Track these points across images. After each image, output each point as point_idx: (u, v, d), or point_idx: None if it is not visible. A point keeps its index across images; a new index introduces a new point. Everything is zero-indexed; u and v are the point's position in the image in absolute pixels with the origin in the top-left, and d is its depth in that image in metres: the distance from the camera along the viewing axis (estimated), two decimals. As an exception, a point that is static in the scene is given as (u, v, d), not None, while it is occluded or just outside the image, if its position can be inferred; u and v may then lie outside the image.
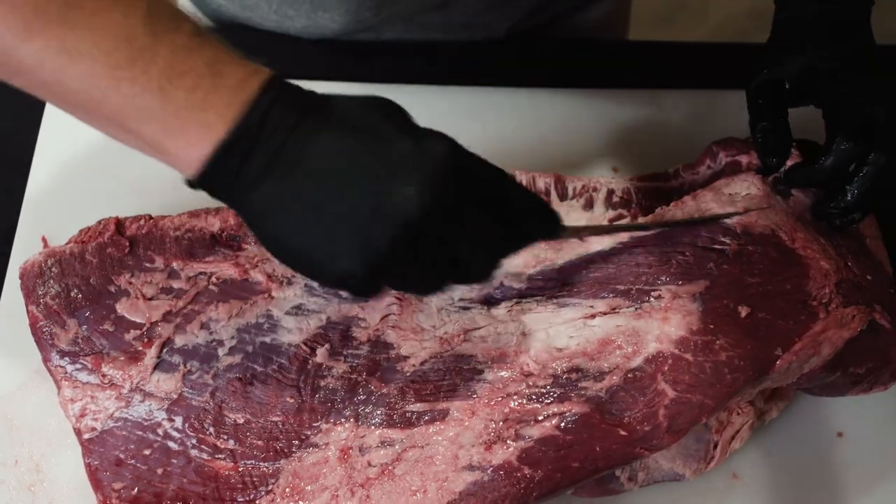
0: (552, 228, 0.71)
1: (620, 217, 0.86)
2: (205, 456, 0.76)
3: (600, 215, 0.87)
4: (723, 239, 0.79)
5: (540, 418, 0.74)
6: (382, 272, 0.62)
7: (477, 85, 1.00)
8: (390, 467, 0.74)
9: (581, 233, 0.80)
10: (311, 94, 0.64)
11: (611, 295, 0.78)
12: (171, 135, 0.61)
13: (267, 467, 0.75)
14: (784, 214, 0.80)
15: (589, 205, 0.88)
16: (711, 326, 0.75)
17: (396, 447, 0.75)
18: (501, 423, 0.74)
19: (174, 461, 0.76)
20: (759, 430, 0.84)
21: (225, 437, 0.76)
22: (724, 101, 1.01)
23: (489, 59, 1.05)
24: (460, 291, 0.80)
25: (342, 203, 0.60)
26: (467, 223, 0.64)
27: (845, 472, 0.84)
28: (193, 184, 0.63)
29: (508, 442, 0.73)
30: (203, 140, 0.60)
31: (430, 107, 0.98)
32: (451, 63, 1.04)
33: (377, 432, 0.75)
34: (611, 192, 0.88)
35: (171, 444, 0.76)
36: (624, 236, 0.81)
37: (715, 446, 0.80)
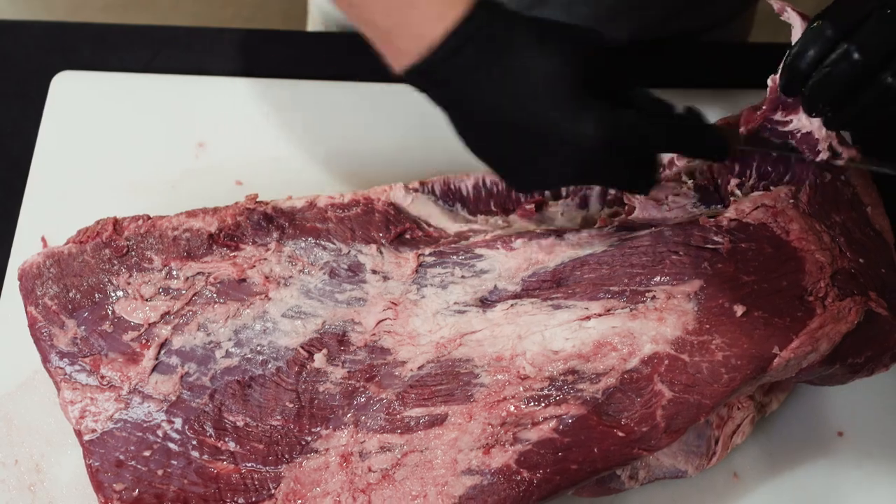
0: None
1: (616, 214, 0.86)
2: (206, 457, 0.76)
3: (595, 213, 0.87)
4: (716, 238, 0.79)
5: (537, 421, 0.74)
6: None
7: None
8: (390, 472, 0.74)
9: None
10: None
11: (605, 296, 0.78)
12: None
13: (268, 472, 0.75)
14: (780, 200, 0.80)
15: (584, 204, 0.87)
16: (707, 326, 0.76)
17: (396, 452, 0.75)
18: (499, 426, 0.74)
19: (174, 462, 0.76)
20: (759, 430, 0.84)
21: (225, 438, 0.76)
22: (724, 102, 1.00)
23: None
24: (455, 295, 0.80)
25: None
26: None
27: (845, 472, 0.84)
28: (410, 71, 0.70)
29: (507, 445, 0.74)
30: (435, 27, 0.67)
31: (429, 105, 0.98)
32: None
33: (376, 437, 0.75)
34: (605, 190, 0.88)
35: (172, 446, 0.76)
36: (615, 238, 0.81)
37: (716, 442, 0.81)
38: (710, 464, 0.81)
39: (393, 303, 0.80)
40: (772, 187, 0.83)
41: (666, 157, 0.89)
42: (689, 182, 0.85)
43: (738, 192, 0.84)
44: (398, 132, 0.98)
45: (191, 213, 0.82)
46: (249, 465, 0.76)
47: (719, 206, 0.82)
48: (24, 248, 0.89)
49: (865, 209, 0.84)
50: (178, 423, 0.77)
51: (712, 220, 0.80)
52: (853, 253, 0.80)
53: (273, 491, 0.75)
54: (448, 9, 0.66)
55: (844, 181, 0.83)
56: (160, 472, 0.75)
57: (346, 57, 1.04)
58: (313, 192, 0.85)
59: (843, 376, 0.81)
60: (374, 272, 0.81)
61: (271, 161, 0.96)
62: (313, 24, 1.25)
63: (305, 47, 1.05)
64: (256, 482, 0.75)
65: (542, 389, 0.75)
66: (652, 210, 0.83)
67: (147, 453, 0.76)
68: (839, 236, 0.81)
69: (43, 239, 0.89)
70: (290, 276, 0.81)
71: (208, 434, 0.76)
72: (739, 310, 0.76)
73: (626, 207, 0.85)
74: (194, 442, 0.76)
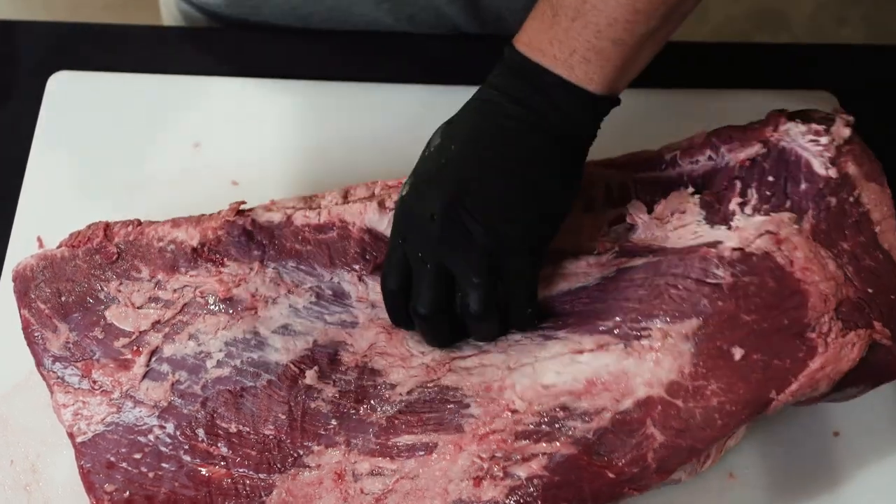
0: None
1: (620, 218, 0.83)
2: (197, 461, 0.75)
3: (598, 213, 0.85)
4: (716, 272, 0.76)
5: (527, 457, 0.73)
6: None
7: (473, 84, 1.00)
8: (383, 499, 0.74)
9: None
10: None
11: (599, 331, 0.77)
12: None
13: (260, 479, 0.75)
14: (784, 225, 0.77)
15: (589, 207, 0.84)
16: (703, 371, 0.74)
17: (387, 479, 0.74)
18: (489, 459, 0.73)
19: (165, 465, 0.75)
20: (755, 429, 0.83)
21: (218, 443, 0.76)
22: (724, 102, 1.00)
23: (486, 59, 1.04)
24: None
25: None
26: None
27: (841, 472, 0.84)
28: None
29: (497, 479, 0.73)
30: None
31: (425, 105, 0.98)
32: (445, 61, 1.04)
33: (368, 461, 0.75)
34: (609, 189, 0.84)
35: (163, 449, 0.76)
36: (612, 267, 0.79)
37: (710, 446, 0.80)
38: (702, 468, 0.80)
39: (384, 328, 0.79)
40: (772, 213, 0.80)
41: (668, 155, 0.88)
42: (696, 198, 0.82)
43: (739, 211, 0.80)
44: (396, 132, 0.96)
45: (175, 223, 0.81)
46: (241, 470, 0.75)
47: (723, 226, 0.79)
48: (21, 249, 0.89)
49: (874, 228, 0.80)
50: (170, 427, 0.76)
51: (714, 250, 0.77)
52: (861, 282, 0.77)
53: (264, 499, 0.74)
54: None
55: (853, 202, 0.80)
56: (151, 475, 0.75)
57: (343, 57, 1.03)
58: (310, 193, 0.85)
59: (838, 400, 0.80)
60: (360, 300, 0.80)
61: (268, 161, 0.96)
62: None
63: (304, 47, 1.04)
64: (248, 488, 0.75)
65: (531, 425, 0.74)
66: (655, 230, 0.80)
67: (138, 456, 0.76)
68: (847, 265, 0.78)
69: (39, 239, 0.89)
70: (278, 296, 0.80)
71: (200, 439, 0.76)
72: (738, 353, 0.74)
73: (628, 222, 0.82)
74: (186, 446, 0.76)
